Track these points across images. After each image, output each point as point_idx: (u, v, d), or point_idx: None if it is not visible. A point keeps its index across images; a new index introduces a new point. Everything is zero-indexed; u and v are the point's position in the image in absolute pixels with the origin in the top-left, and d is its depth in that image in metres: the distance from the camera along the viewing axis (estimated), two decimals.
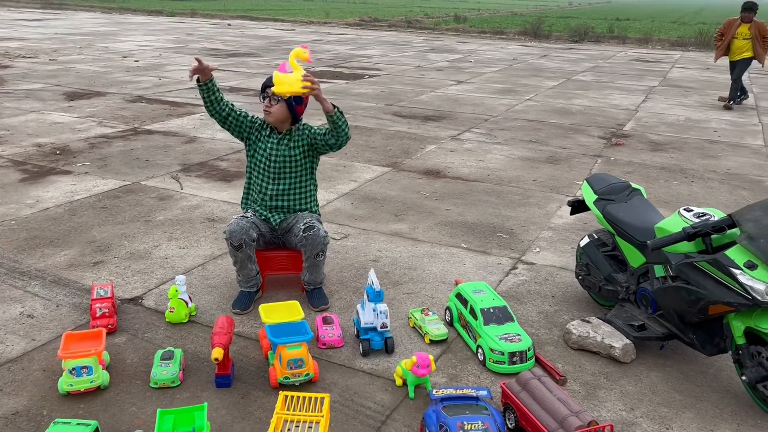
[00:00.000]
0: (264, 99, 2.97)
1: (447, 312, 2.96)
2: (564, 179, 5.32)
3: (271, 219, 3.08)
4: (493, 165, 5.66)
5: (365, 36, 20.01)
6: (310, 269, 3.03)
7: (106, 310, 2.78)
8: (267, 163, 3.03)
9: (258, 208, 3.11)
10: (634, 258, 2.79)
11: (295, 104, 2.94)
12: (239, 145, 6.07)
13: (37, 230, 3.90)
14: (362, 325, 2.68)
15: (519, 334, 2.64)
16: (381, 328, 2.67)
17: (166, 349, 2.52)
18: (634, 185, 3.02)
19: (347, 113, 7.67)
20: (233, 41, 16.50)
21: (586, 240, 3.08)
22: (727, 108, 8.70)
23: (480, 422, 2.04)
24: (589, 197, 3.01)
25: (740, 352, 2.36)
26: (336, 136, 2.93)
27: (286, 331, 2.55)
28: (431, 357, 2.38)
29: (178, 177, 5.04)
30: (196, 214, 4.25)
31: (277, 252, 3.17)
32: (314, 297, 3.07)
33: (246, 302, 3.02)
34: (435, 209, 4.50)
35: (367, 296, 2.65)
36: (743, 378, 2.35)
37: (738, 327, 2.33)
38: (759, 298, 2.18)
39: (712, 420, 2.34)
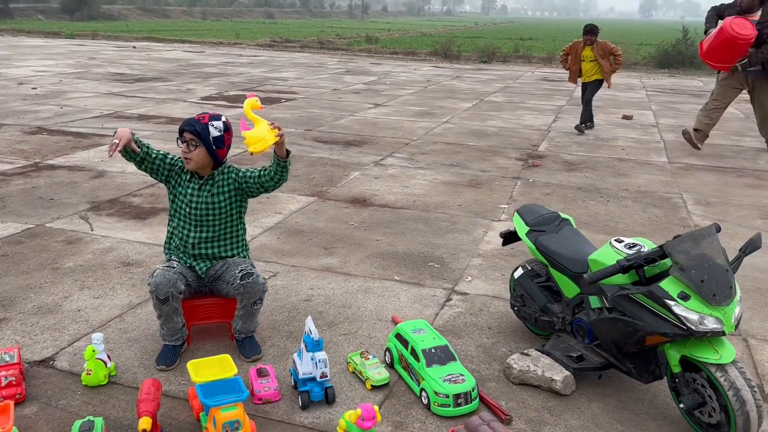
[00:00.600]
0: (181, 143, 2.79)
1: (387, 353, 2.87)
2: (487, 203, 5.38)
3: (197, 267, 2.90)
4: (418, 191, 5.66)
5: (278, 58, 19.83)
6: (244, 318, 2.87)
7: (13, 378, 2.51)
8: (188, 209, 2.85)
9: (182, 255, 2.92)
10: (569, 289, 2.81)
11: (216, 148, 2.79)
12: (151, 179, 5.77)
13: None
14: (300, 376, 2.54)
15: (462, 374, 2.59)
16: (320, 377, 2.55)
17: (85, 419, 2.28)
18: (563, 215, 3.06)
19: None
20: (139, 65, 15.92)
21: (519, 271, 3.09)
22: (579, 131, 8.55)
23: None
24: (521, 229, 3.03)
25: (676, 380, 2.40)
26: (278, 179, 2.81)
27: (218, 389, 2.38)
28: (376, 407, 2.28)
29: (87, 217, 4.71)
30: (109, 259, 3.97)
31: (204, 300, 2.98)
32: (246, 346, 2.91)
33: (171, 357, 2.81)
34: (365, 240, 4.42)
35: (305, 346, 2.53)
36: (681, 405, 2.39)
37: (674, 356, 2.37)
38: (693, 327, 2.22)
39: None
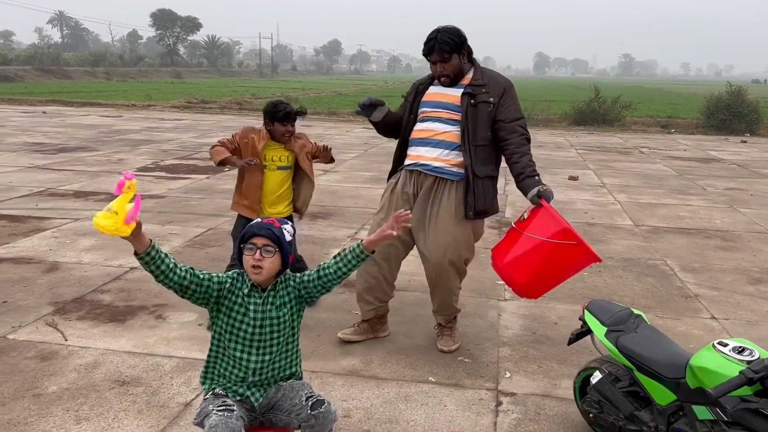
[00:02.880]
0: (248, 251, 2.39)
1: None
2: (483, 279, 5.20)
3: (252, 399, 2.47)
4: (408, 268, 5.38)
5: (203, 121, 19.27)
6: None
7: None
8: (250, 330, 2.43)
9: (232, 384, 2.48)
10: (661, 396, 2.60)
11: (289, 254, 2.42)
12: (115, 269, 5.20)
13: None
14: None
15: None
16: None
17: None
18: (635, 311, 2.88)
19: (223, 215, 7.04)
20: (56, 132, 14.96)
21: (597, 375, 2.86)
22: None
23: None
24: (599, 330, 2.81)
25: None
26: (345, 273, 2.47)
27: None
28: None
29: (55, 323, 4.10)
30: (98, 377, 3.42)
31: None
32: None
33: None
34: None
35: None
36: None
37: None
38: None
39: None
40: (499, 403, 3.28)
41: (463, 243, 3.73)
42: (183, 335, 3.99)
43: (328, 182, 9.36)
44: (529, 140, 3.75)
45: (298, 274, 2.54)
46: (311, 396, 2.43)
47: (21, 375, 3.42)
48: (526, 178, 3.63)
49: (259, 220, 2.47)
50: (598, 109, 20.88)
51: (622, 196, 8.92)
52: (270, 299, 2.45)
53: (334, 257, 2.49)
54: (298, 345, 2.60)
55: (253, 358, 2.45)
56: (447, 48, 3.61)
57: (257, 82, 64.01)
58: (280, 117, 4.09)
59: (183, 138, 14.65)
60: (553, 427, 3.05)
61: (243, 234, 2.44)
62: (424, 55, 3.73)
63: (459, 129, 3.67)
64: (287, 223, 2.46)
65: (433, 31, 3.68)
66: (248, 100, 29.82)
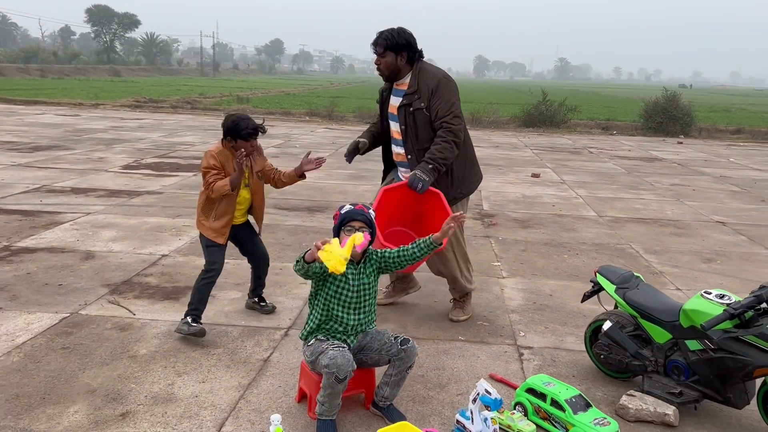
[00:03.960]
0: (347, 232, 3.01)
1: (518, 407, 3.22)
2: (482, 262, 5.91)
3: (349, 341, 3.10)
4: None
5: (165, 121, 19.38)
6: (395, 383, 3.09)
7: None
8: (351, 295, 3.05)
9: (337, 335, 3.09)
10: (659, 335, 3.36)
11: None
12: (147, 256, 5.66)
13: (10, 387, 3.31)
14: None
15: (605, 417, 3.02)
16: None
17: None
18: (635, 273, 3.65)
19: None
20: (20, 131, 14.89)
21: (608, 324, 3.59)
22: None
23: None
24: (609, 287, 3.56)
25: None
26: (416, 259, 3.11)
27: None
28: None
29: (117, 301, 4.58)
30: (178, 341, 3.94)
31: None
32: (393, 413, 3.12)
33: (335, 429, 2.96)
34: (403, 305, 4.73)
35: (488, 406, 2.82)
36: None
37: None
38: None
39: None
40: (521, 354, 3.99)
41: None
42: (236, 309, 4.54)
43: (312, 179, 9.91)
44: (453, 132, 3.92)
45: (379, 251, 3.19)
46: (397, 336, 3.08)
47: (109, 342, 3.91)
48: (421, 162, 3.94)
49: (351, 206, 3.10)
50: (545, 112, 22.08)
51: (582, 191, 9.84)
52: (363, 270, 3.09)
53: (412, 243, 3.15)
54: (375, 303, 3.24)
55: (353, 315, 3.09)
56: (383, 43, 3.97)
57: (199, 80, 63.29)
58: (245, 135, 3.82)
59: (152, 137, 14.85)
60: (568, 370, 3.78)
61: (343, 219, 3.06)
62: (371, 48, 4.12)
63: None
64: (370, 208, 3.12)
65: (381, 30, 4.10)
66: (198, 99, 29.81)
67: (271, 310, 4.47)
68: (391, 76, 4.09)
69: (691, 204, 9.13)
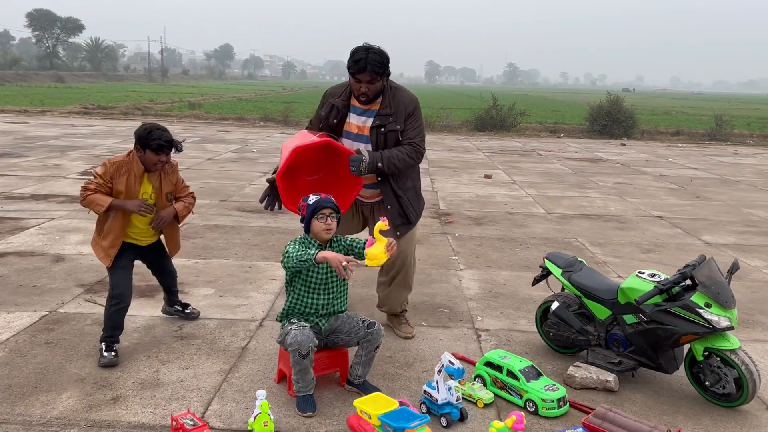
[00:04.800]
0: (321, 219, 3.31)
1: (478, 379, 3.57)
2: (440, 256, 6.28)
3: (320, 324, 3.40)
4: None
5: (119, 127, 19.20)
6: (365, 363, 3.40)
7: None
8: (324, 278, 3.35)
9: (305, 319, 3.38)
10: (601, 312, 3.77)
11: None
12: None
13: (1, 378, 3.48)
14: (440, 402, 3.17)
15: (554, 384, 3.40)
16: (456, 401, 3.20)
17: None
18: (579, 258, 4.06)
19: (193, 212, 7.71)
20: None
21: (556, 304, 3.98)
22: None
23: None
24: (556, 271, 3.96)
25: (701, 366, 3.44)
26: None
27: (397, 416, 2.93)
28: (523, 414, 3.01)
29: (93, 300, 4.75)
30: (158, 334, 4.16)
31: (319, 354, 3.45)
32: (368, 388, 3.43)
33: (312, 404, 3.25)
34: (371, 295, 5.04)
35: (451, 375, 3.15)
36: (706, 383, 3.43)
37: (699, 349, 3.42)
38: (716, 326, 3.28)
39: (695, 416, 3.35)
40: (479, 336, 4.36)
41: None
42: (211, 303, 4.77)
43: None
44: (417, 152, 3.89)
45: (347, 238, 3.50)
46: (365, 320, 3.40)
47: (91, 336, 4.09)
48: (375, 153, 3.79)
49: (316, 196, 3.38)
50: (496, 116, 22.76)
51: (532, 191, 10.35)
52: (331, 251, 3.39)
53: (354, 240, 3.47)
54: (347, 289, 3.55)
55: (322, 296, 3.38)
56: (379, 71, 3.65)
57: (148, 86, 62.33)
58: (154, 147, 3.58)
59: (107, 144, 14.79)
60: (522, 348, 4.16)
61: (314, 208, 3.36)
62: (351, 71, 3.67)
63: None
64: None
65: (361, 50, 3.65)
66: (148, 105, 29.49)
67: (196, 316, 4.39)
68: (372, 99, 3.80)
69: (632, 201, 9.74)
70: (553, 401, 3.28)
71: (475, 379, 3.59)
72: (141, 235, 3.87)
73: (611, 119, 21.76)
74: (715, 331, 3.31)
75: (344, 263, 3.02)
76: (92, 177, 3.65)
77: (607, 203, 9.48)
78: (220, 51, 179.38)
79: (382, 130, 3.84)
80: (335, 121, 3.91)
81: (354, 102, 3.90)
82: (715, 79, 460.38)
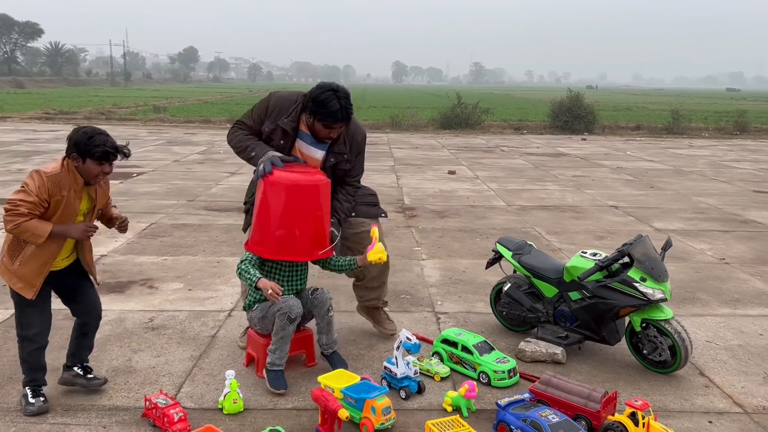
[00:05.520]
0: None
1: (435, 356, 3.81)
2: (403, 248, 6.52)
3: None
4: None
5: None
6: (326, 330, 3.59)
7: (182, 414, 2.99)
8: (283, 269, 3.56)
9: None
10: (549, 291, 4.04)
11: None
12: None
13: None
14: (399, 376, 3.40)
15: (505, 357, 3.65)
16: (414, 374, 3.43)
17: (274, 428, 2.90)
18: (528, 242, 4.32)
19: (156, 212, 7.83)
20: None
21: (508, 284, 4.25)
22: None
23: (548, 411, 2.99)
24: (507, 254, 4.22)
25: (639, 336, 3.73)
26: (338, 270, 3.75)
27: (359, 389, 3.14)
28: (475, 383, 3.25)
29: None
30: (129, 326, 4.31)
31: None
32: (336, 360, 3.62)
33: (283, 380, 3.43)
34: (337, 285, 5.25)
35: (409, 351, 3.38)
36: (644, 352, 3.72)
37: (636, 320, 3.71)
38: (651, 298, 3.57)
39: (634, 382, 3.64)
40: (438, 318, 4.60)
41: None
42: (180, 297, 4.93)
43: (239, 182, 10.28)
44: (357, 188, 3.92)
45: (338, 258, 3.73)
46: (310, 288, 3.66)
47: (63, 330, 4.20)
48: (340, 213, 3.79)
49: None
50: (461, 114, 23.13)
51: (494, 185, 10.67)
52: None
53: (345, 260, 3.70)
54: (308, 269, 3.75)
55: (285, 285, 3.58)
56: (350, 118, 3.58)
57: (110, 91, 61.44)
58: (96, 154, 2.94)
59: None
60: (478, 328, 4.41)
61: None
62: (323, 120, 3.49)
63: None
64: None
65: (332, 97, 3.43)
66: (112, 110, 29.17)
67: (102, 383, 3.40)
68: None
69: (589, 192, 10.12)
70: (504, 372, 3.53)
71: (432, 356, 3.83)
72: (59, 256, 3.12)
73: (572, 115, 22.29)
74: (650, 303, 3.59)
75: (272, 290, 3.20)
76: (21, 193, 2.91)
77: (565, 195, 9.84)
78: (184, 54, 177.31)
79: (334, 166, 3.73)
80: (281, 142, 3.61)
81: (303, 127, 3.64)
82: (676, 75, 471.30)
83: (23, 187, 2.94)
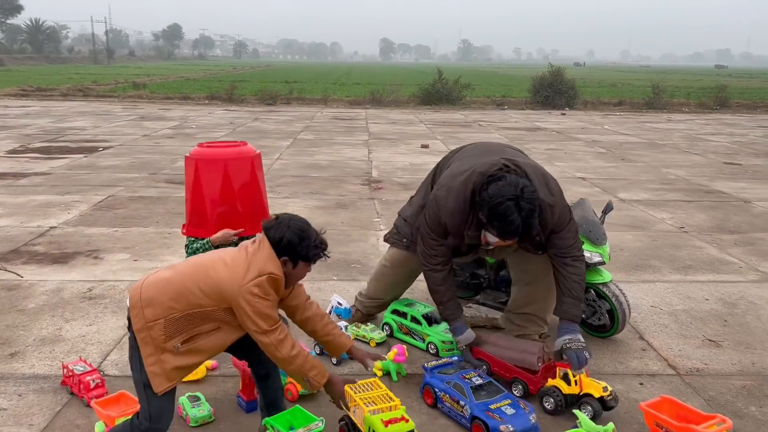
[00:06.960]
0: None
1: (386, 327, 3.74)
2: (363, 219, 6.44)
3: None
4: (302, 215, 6.49)
5: (56, 107, 18.74)
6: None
7: (99, 381, 2.91)
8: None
9: None
10: (490, 258, 3.98)
11: None
12: (35, 229, 5.81)
13: None
14: None
15: None
16: None
17: (192, 393, 2.83)
18: None
19: (116, 185, 7.69)
20: None
21: None
22: None
23: (473, 372, 2.94)
24: None
25: None
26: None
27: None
28: (405, 347, 3.19)
29: (3, 267, 4.75)
30: (66, 296, 4.21)
31: None
32: None
33: None
34: None
35: (339, 316, 3.31)
36: (583, 316, 3.67)
37: None
38: (589, 261, 3.51)
39: None
40: None
41: None
42: (124, 267, 4.83)
43: None
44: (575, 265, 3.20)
45: None
46: None
47: None
48: None
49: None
50: (441, 90, 22.94)
51: None
52: None
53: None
54: None
55: None
56: (530, 233, 3.04)
57: (92, 68, 60.38)
58: (311, 256, 2.50)
59: (40, 123, 14.44)
60: (424, 296, 4.35)
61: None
62: (502, 235, 2.94)
63: None
64: None
65: (511, 207, 2.82)
66: (91, 87, 28.63)
67: None
68: None
69: (559, 164, 10.06)
70: (452, 342, 3.46)
71: (383, 328, 3.75)
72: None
73: (553, 90, 22.18)
74: (588, 266, 3.54)
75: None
76: (262, 310, 2.34)
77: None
78: (168, 31, 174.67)
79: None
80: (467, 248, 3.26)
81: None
82: (663, 52, 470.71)
83: (265, 310, 2.36)
